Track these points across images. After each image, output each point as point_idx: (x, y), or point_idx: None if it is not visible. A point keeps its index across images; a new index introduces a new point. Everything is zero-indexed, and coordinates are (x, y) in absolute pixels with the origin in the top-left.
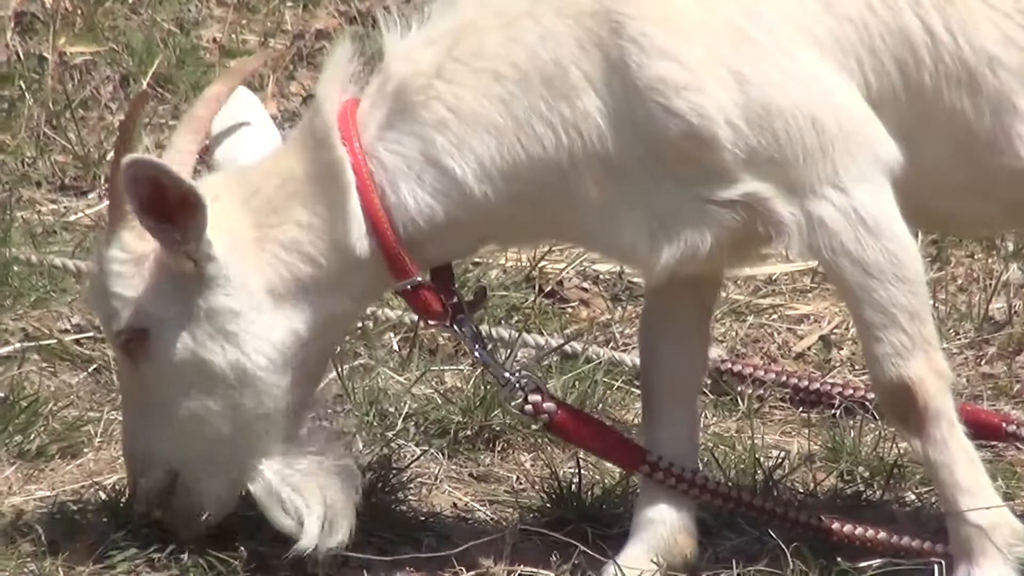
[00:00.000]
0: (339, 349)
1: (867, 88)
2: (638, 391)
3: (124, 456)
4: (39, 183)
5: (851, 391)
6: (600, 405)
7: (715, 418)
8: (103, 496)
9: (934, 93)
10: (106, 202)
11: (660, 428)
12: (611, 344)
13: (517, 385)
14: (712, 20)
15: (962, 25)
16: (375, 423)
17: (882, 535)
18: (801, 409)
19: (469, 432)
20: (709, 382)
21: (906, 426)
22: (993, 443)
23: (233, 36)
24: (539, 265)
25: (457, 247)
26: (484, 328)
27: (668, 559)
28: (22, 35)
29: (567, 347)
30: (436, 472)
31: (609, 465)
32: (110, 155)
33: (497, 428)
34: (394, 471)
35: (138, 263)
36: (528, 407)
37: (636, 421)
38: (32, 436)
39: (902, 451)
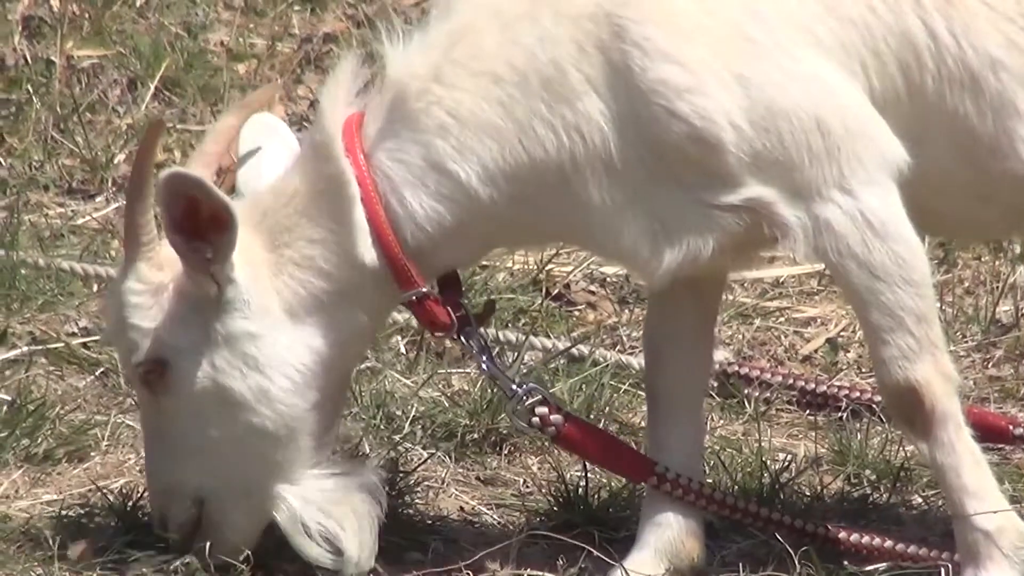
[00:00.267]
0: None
1: (871, 91)
2: (645, 394)
3: (149, 491)
4: (46, 186)
5: (858, 394)
6: (607, 408)
7: (722, 421)
8: (110, 500)
9: (936, 96)
10: (114, 206)
11: (666, 431)
12: (618, 347)
13: (524, 397)
14: (714, 22)
15: (964, 28)
16: (382, 426)
17: (888, 543)
18: (808, 412)
19: (476, 435)
20: (716, 384)
21: (913, 429)
22: (1000, 446)
23: (240, 40)
24: (546, 268)
25: (465, 253)
26: (491, 331)
27: (675, 563)
28: (30, 39)
29: (574, 350)
30: (443, 475)
31: None
32: (118, 159)
33: (504, 431)
34: (401, 474)
35: (156, 294)
36: (535, 419)
37: (643, 424)
38: (39, 440)
39: (909, 454)
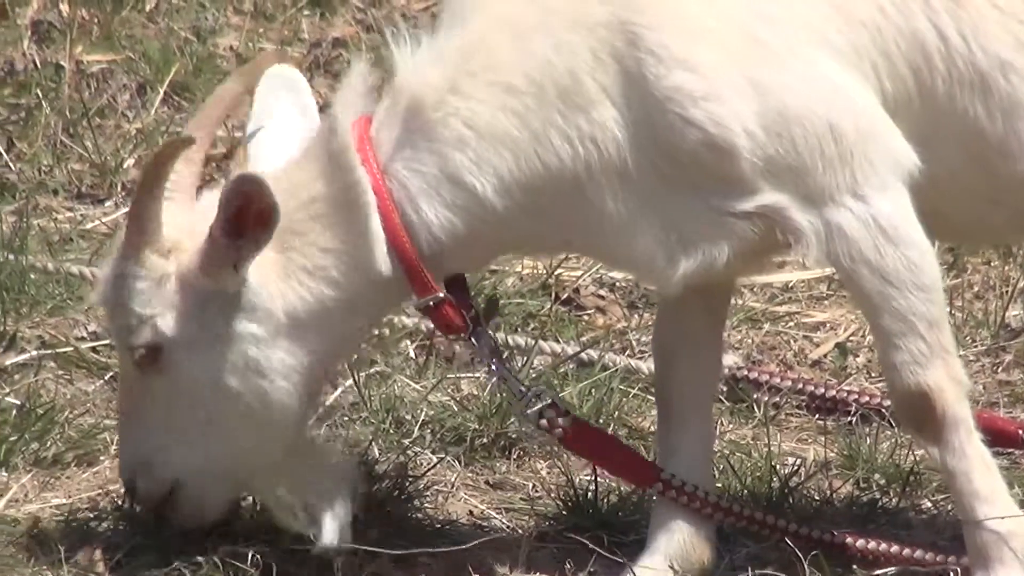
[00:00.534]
0: (347, 361)
1: (882, 93)
2: (654, 398)
3: (120, 456)
4: (56, 191)
5: (867, 398)
6: (616, 413)
7: (731, 425)
8: (119, 504)
9: (946, 98)
10: (123, 210)
11: (676, 436)
12: (627, 352)
13: (533, 399)
14: (727, 27)
15: (974, 29)
16: (391, 430)
17: (895, 548)
18: (817, 416)
19: (485, 440)
20: (725, 389)
21: (923, 434)
22: (1010, 450)
23: (250, 44)
24: (556, 272)
25: (477, 259)
26: (500, 335)
27: (685, 567)
28: (39, 44)
29: (583, 355)
30: (452, 480)
31: None
32: (127, 163)
33: (513, 436)
34: (410, 479)
35: (160, 283)
36: (543, 422)
37: (652, 429)
38: (48, 444)
39: (918, 458)
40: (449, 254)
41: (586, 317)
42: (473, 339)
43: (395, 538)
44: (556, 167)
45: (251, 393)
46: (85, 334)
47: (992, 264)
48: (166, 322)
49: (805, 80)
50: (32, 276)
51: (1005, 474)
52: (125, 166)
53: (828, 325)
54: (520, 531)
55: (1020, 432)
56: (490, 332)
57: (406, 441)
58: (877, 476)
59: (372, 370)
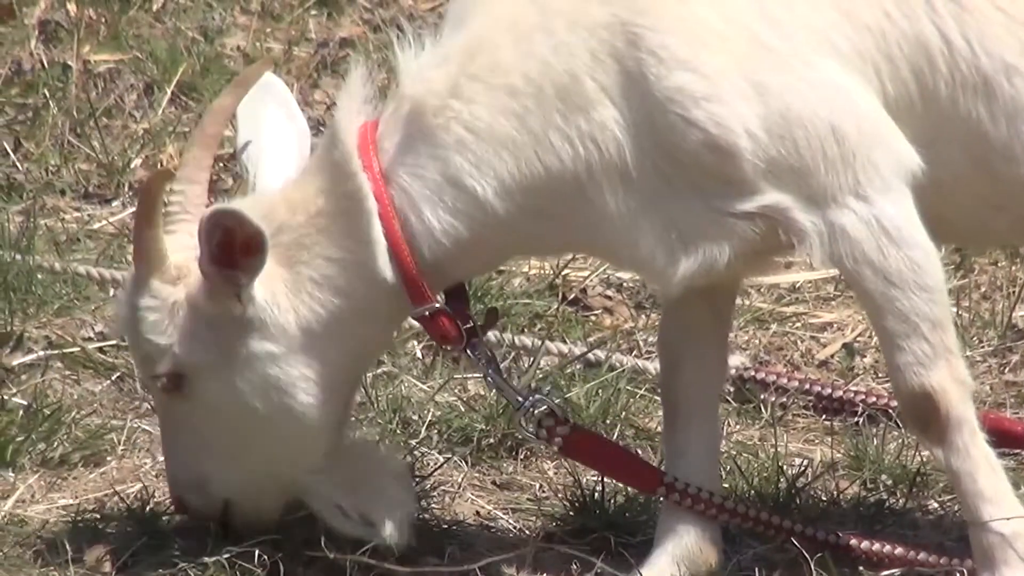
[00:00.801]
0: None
1: (884, 96)
2: (661, 400)
3: (168, 478)
4: (63, 191)
5: (874, 399)
6: (623, 413)
7: (738, 426)
8: (126, 504)
9: (950, 101)
10: (130, 210)
11: (682, 437)
12: (634, 352)
13: (530, 408)
14: (731, 30)
15: (979, 33)
16: (398, 431)
17: (899, 550)
18: (824, 417)
19: (492, 440)
20: (732, 390)
21: (927, 435)
22: (1016, 451)
23: (257, 44)
24: (562, 273)
25: (480, 264)
26: (507, 336)
27: (692, 569)
28: (46, 43)
29: (590, 355)
30: (459, 480)
31: None
32: (134, 164)
33: (520, 436)
34: (417, 479)
35: (172, 310)
36: (542, 431)
37: (659, 429)
38: (55, 444)
39: (925, 459)
40: (453, 260)
41: (593, 317)
42: (468, 351)
43: None
44: (557, 168)
45: (276, 411)
46: (92, 334)
47: (999, 264)
48: (183, 349)
49: (808, 83)
50: (39, 276)
51: (1011, 475)
52: (132, 166)
53: (835, 325)
54: (527, 532)
55: None
56: (485, 342)
57: (413, 441)
58: (884, 477)
59: (379, 370)
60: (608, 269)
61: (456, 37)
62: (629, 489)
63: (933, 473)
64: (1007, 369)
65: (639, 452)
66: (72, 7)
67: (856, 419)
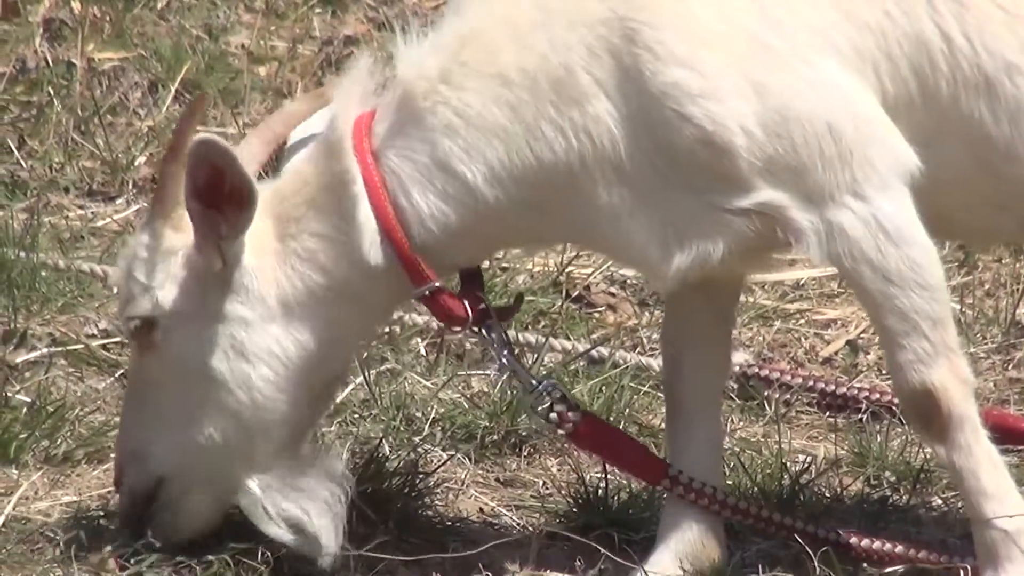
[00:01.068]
0: (358, 358)
1: (884, 95)
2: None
3: (116, 447)
4: (67, 189)
5: (878, 396)
6: (627, 410)
7: (742, 423)
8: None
9: (950, 100)
10: (134, 208)
11: (685, 434)
12: (638, 349)
13: (543, 393)
14: (729, 28)
15: (979, 32)
16: (402, 428)
17: (900, 548)
18: (828, 414)
19: (496, 437)
20: (736, 386)
21: (929, 432)
22: (1020, 448)
23: (261, 42)
24: (566, 270)
25: (474, 251)
26: (511, 333)
27: (695, 564)
28: (51, 41)
29: (594, 352)
30: (463, 477)
31: None
32: (138, 161)
33: (524, 433)
34: (421, 476)
35: (166, 255)
36: (553, 415)
37: (663, 426)
38: (59, 441)
39: (929, 456)
40: (443, 246)
41: (597, 314)
42: (483, 331)
43: (405, 535)
44: (549, 160)
45: (234, 377)
46: (96, 331)
47: (1003, 262)
48: (164, 294)
49: (806, 81)
50: (43, 273)
51: (1015, 472)
52: (136, 164)
53: (839, 322)
54: (530, 528)
55: None
56: (501, 325)
57: (416, 438)
58: (888, 474)
59: (383, 367)
60: (612, 266)
61: (453, 27)
62: (632, 486)
63: (937, 470)
64: (1011, 366)
65: None
66: (77, 5)
67: (860, 416)
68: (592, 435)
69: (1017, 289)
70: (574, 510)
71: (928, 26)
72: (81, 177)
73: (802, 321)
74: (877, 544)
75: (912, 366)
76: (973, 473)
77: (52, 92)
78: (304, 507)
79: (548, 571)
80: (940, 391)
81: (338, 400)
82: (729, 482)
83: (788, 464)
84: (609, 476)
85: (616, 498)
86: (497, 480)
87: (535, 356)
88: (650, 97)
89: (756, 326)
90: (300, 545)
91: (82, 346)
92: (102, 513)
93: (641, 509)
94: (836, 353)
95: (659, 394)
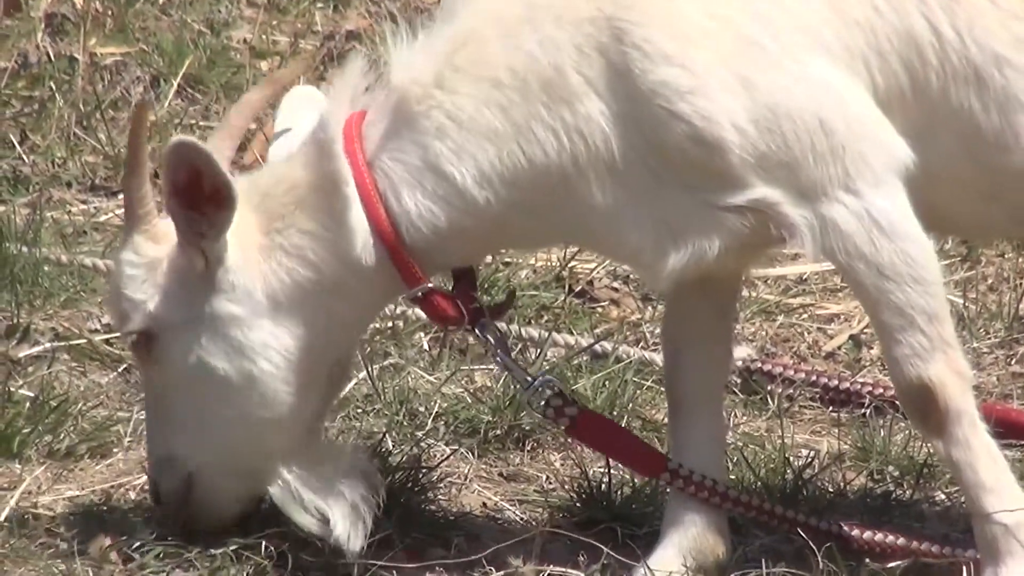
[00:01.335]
0: (361, 353)
1: (874, 89)
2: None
3: (147, 458)
4: (69, 183)
5: (881, 390)
6: (630, 405)
7: (745, 417)
8: (132, 496)
9: (941, 93)
10: None
11: (687, 429)
12: (641, 344)
13: (539, 388)
14: (719, 25)
15: (969, 25)
16: (405, 422)
17: (902, 540)
18: (831, 408)
19: (499, 431)
20: (739, 381)
21: (927, 426)
22: (1023, 443)
23: (263, 37)
24: (569, 265)
25: (466, 252)
26: (514, 328)
27: (699, 560)
28: (52, 36)
29: (597, 347)
30: (466, 471)
31: None
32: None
33: (527, 428)
34: (424, 470)
35: (150, 267)
36: (549, 411)
37: (666, 421)
38: (62, 436)
39: (931, 451)
40: (434, 246)
41: (600, 309)
42: (477, 330)
43: (409, 530)
44: (541, 161)
45: (238, 375)
46: (99, 326)
47: (1006, 256)
48: (156, 306)
49: (796, 78)
50: (46, 268)
51: (1017, 466)
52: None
53: (842, 317)
54: (534, 523)
55: None
56: (496, 323)
57: (419, 433)
58: (891, 468)
59: (386, 362)
60: (614, 261)
61: (445, 29)
62: (636, 481)
63: (940, 464)
64: (1014, 360)
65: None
66: (79, 0)
67: (863, 410)
68: (589, 429)
69: (1020, 284)
70: (577, 505)
71: (918, 21)
72: (83, 172)
73: (805, 316)
74: (879, 536)
75: (909, 361)
76: (972, 467)
77: (54, 87)
78: (330, 499)
79: (551, 566)
80: (937, 385)
81: (342, 395)
82: (732, 477)
83: (791, 459)
84: (612, 471)
85: (619, 493)
86: (500, 475)
87: (538, 351)
88: (640, 95)
89: (759, 321)
90: (325, 535)
91: (85, 341)
92: (105, 508)
93: (644, 504)
94: (839, 348)
95: (662, 389)
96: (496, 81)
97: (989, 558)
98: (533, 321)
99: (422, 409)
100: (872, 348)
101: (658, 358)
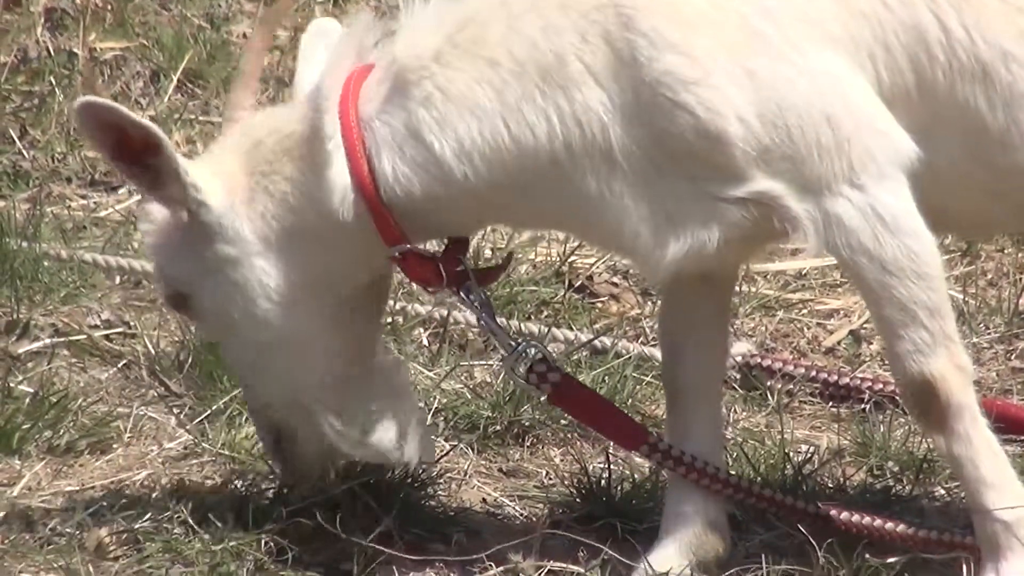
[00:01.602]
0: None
1: (880, 84)
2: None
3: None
4: (69, 179)
5: (881, 386)
6: (629, 400)
7: (744, 413)
8: (132, 492)
9: (947, 88)
10: (136, 198)
11: (685, 424)
12: (641, 339)
13: (523, 353)
14: (724, 16)
15: (977, 21)
16: None
17: (902, 527)
18: (831, 404)
19: (498, 427)
20: (738, 376)
21: (928, 422)
22: (1022, 438)
23: None
24: (569, 260)
25: (446, 221)
26: (514, 323)
27: (699, 556)
28: (52, 31)
29: (597, 342)
30: (465, 467)
31: (639, 460)
32: None
33: (527, 423)
34: (424, 466)
35: (160, 232)
36: (532, 376)
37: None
38: (62, 432)
39: (931, 446)
40: (408, 212)
41: (599, 304)
42: (461, 292)
43: (408, 525)
44: (529, 144)
45: (244, 316)
46: (98, 322)
47: (1006, 251)
48: (171, 267)
49: (801, 71)
50: (46, 264)
51: (1018, 462)
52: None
53: (842, 312)
54: (533, 519)
55: None
56: (480, 288)
57: None
58: (891, 463)
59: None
60: (614, 256)
61: (454, 9)
62: (636, 476)
63: (940, 460)
64: (1013, 356)
65: None
66: None
67: (862, 406)
68: (572, 397)
69: (1020, 279)
70: (577, 500)
71: (925, 16)
72: (83, 167)
73: (804, 311)
74: (857, 518)
75: (911, 356)
76: (972, 462)
77: (54, 82)
78: (388, 423)
79: (551, 561)
80: (939, 380)
81: None
82: (732, 472)
83: (791, 454)
84: (612, 466)
85: (619, 488)
86: (500, 470)
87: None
88: (644, 85)
89: (758, 316)
90: (397, 461)
91: (84, 336)
92: (105, 503)
93: (644, 500)
94: (839, 343)
95: (662, 384)
96: (492, 61)
97: (989, 554)
98: (533, 316)
99: (422, 404)
100: (871, 343)
101: (657, 353)
